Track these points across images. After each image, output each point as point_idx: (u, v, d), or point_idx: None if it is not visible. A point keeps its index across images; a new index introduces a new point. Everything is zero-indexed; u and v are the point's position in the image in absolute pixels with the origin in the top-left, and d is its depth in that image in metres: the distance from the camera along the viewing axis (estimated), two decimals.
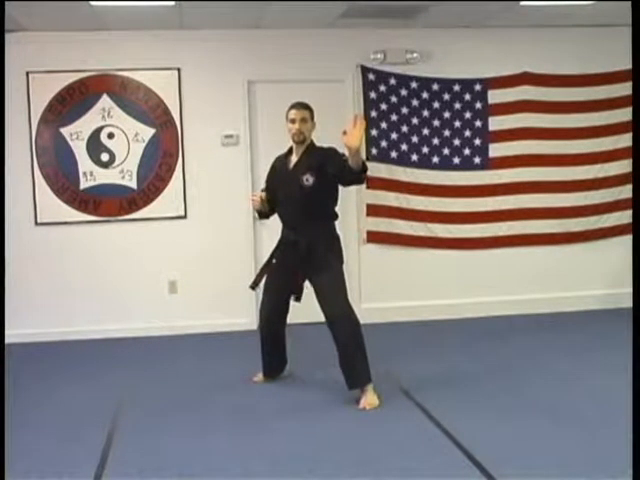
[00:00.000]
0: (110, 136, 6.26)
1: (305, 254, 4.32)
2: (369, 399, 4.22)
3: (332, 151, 4.30)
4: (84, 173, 6.25)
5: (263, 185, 4.74)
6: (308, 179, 4.32)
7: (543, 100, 6.60)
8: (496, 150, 6.63)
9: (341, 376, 4.35)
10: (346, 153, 4.03)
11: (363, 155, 5.42)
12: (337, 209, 4.51)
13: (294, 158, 4.45)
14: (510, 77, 6.59)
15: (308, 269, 4.36)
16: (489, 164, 6.65)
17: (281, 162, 4.56)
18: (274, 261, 4.54)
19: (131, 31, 6.13)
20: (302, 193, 4.34)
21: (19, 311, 6.07)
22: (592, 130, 6.68)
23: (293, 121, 4.40)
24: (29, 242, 6.21)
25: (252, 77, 6.38)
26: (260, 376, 4.81)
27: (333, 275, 4.32)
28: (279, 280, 4.52)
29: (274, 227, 6.46)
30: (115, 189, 6.28)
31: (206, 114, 6.33)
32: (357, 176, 4.08)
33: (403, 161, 6.52)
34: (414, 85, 6.51)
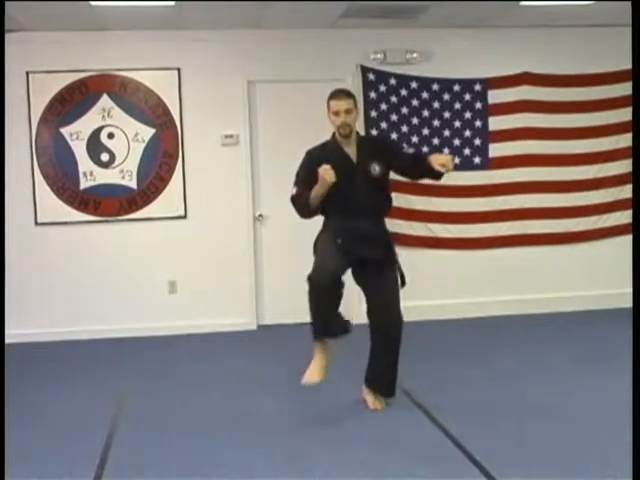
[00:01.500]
0: (110, 136, 6.26)
1: (376, 242, 4.15)
2: (379, 401, 4.24)
3: (390, 141, 4.30)
4: (84, 173, 6.25)
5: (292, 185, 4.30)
6: (375, 168, 4.13)
7: (543, 100, 6.61)
8: (496, 150, 6.63)
9: (337, 377, 4.33)
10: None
11: None
12: None
13: (350, 149, 4.15)
14: (510, 77, 6.59)
15: (376, 255, 4.13)
16: (489, 164, 6.65)
17: (336, 154, 4.14)
18: (339, 241, 4.07)
19: (131, 31, 6.13)
20: (370, 182, 4.14)
21: (19, 311, 6.07)
22: (592, 130, 6.68)
23: (337, 113, 4.07)
24: (29, 242, 6.21)
25: (252, 77, 6.38)
26: (318, 364, 4.06)
27: (394, 276, 4.19)
28: (342, 254, 4.05)
29: (274, 227, 6.50)
30: (115, 189, 6.28)
31: (206, 114, 6.33)
32: (438, 176, 4.15)
33: None
34: (414, 85, 6.51)
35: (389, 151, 4.33)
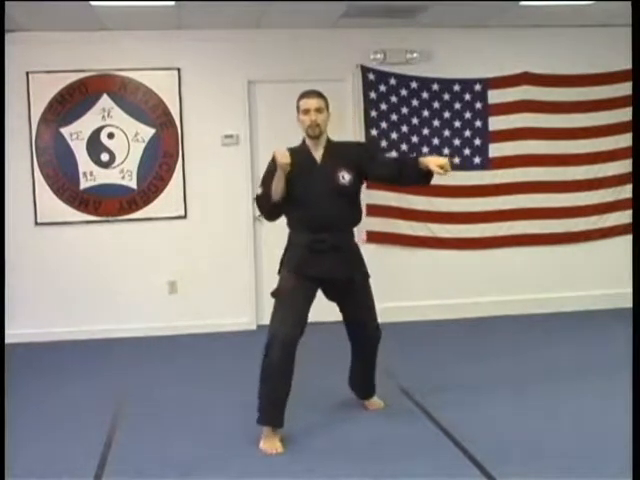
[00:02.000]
0: (110, 136, 6.26)
1: (344, 258, 3.86)
2: (377, 402, 4.26)
3: (365, 146, 3.91)
4: (84, 173, 6.25)
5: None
6: (344, 176, 3.81)
7: (543, 100, 6.61)
8: (496, 150, 6.63)
9: (335, 378, 4.39)
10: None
11: None
12: None
13: (317, 153, 3.88)
14: (510, 77, 6.59)
15: (346, 275, 3.87)
16: (489, 164, 6.65)
17: (301, 156, 3.84)
18: (304, 271, 3.79)
19: (131, 31, 6.13)
20: (336, 192, 3.81)
21: (19, 311, 6.07)
22: (592, 130, 6.68)
23: (306, 112, 3.81)
24: (29, 242, 6.21)
25: (252, 77, 6.38)
26: (273, 439, 3.69)
27: (369, 285, 3.99)
28: (307, 290, 3.82)
29: (274, 227, 6.48)
30: (115, 189, 6.28)
31: (206, 114, 6.33)
32: (424, 178, 3.81)
33: None
34: (414, 85, 6.51)
35: (363, 157, 3.94)
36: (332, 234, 3.82)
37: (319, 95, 3.89)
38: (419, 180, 3.85)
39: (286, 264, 3.86)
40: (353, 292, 3.94)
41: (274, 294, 3.83)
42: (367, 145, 3.94)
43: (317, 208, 3.80)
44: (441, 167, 3.65)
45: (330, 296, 3.98)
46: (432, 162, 3.69)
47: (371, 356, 4.14)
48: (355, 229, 4.06)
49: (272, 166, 3.83)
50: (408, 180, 3.99)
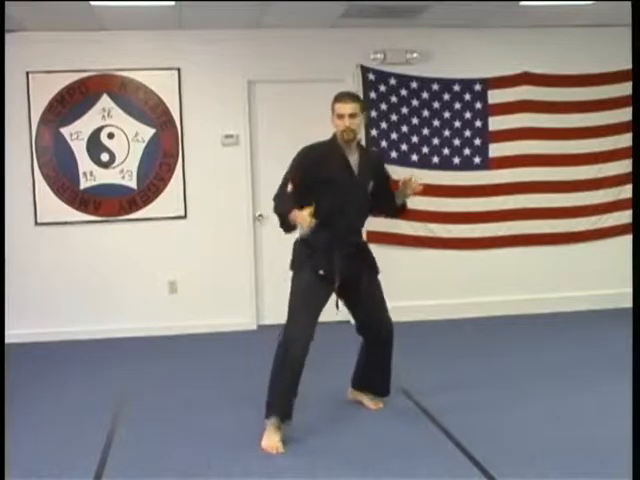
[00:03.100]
0: (110, 136, 6.26)
1: (368, 257, 4.01)
2: (380, 401, 4.26)
3: (384, 164, 4.13)
4: (84, 173, 6.25)
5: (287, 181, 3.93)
6: (371, 185, 3.94)
7: (543, 100, 6.61)
8: (496, 150, 6.63)
9: (335, 378, 4.41)
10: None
11: None
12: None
13: (352, 158, 3.89)
14: (510, 77, 6.59)
15: (369, 273, 3.99)
16: (489, 164, 6.65)
17: (335, 157, 3.87)
18: (321, 272, 3.82)
19: (131, 31, 6.13)
20: (364, 198, 3.94)
21: (19, 311, 6.07)
22: (592, 130, 6.68)
23: (341, 117, 3.79)
24: (29, 242, 6.21)
25: (252, 77, 6.38)
26: (275, 438, 3.69)
27: (378, 286, 4.07)
28: (329, 291, 3.90)
29: (274, 227, 6.46)
30: (115, 189, 6.28)
31: (206, 114, 6.33)
32: (398, 213, 4.16)
33: (403, 161, 6.52)
34: (414, 85, 6.51)
35: (380, 174, 4.03)
36: (355, 236, 3.98)
37: (354, 99, 3.87)
38: (394, 215, 4.25)
39: (307, 263, 3.86)
40: (372, 289, 4.02)
41: (295, 292, 3.89)
42: (383, 164, 4.16)
43: (349, 215, 3.87)
44: (408, 186, 3.89)
45: (347, 295, 3.98)
46: (407, 192, 3.93)
47: (390, 350, 4.16)
48: None
49: (302, 165, 3.85)
50: (382, 213, 4.31)
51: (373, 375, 4.23)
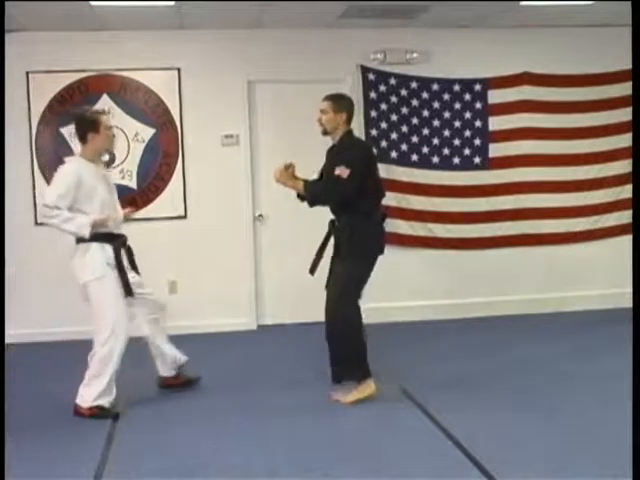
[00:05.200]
0: None
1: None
2: (353, 394, 4.34)
3: (341, 154, 4.33)
4: None
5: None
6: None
7: (543, 100, 6.61)
8: (496, 150, 6.63)
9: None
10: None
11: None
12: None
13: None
14: (510, 77, 6.59)
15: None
16: (489, 164, 6.65)
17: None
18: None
19: (131, 31, 6.13)
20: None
21: (19, 311, 6.07)
22: (592, 130, 6.68)
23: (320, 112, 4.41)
24: (29, 242, 6.21)
25: (252, 77, 6.38)
26: (372, 385, 4.36)
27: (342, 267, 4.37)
28: None
29: (274, 227, 6.49)
30: None
31: (206, 114, 6.33)
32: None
33: (403, 161, 6.52)
34: (414, 85, 6.51)
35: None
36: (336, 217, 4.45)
37: (328, 98, 4.43)
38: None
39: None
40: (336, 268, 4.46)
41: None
42: (342, 154, 4.42)
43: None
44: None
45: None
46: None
47: (330, 338, 4.41)
48: None
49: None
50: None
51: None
